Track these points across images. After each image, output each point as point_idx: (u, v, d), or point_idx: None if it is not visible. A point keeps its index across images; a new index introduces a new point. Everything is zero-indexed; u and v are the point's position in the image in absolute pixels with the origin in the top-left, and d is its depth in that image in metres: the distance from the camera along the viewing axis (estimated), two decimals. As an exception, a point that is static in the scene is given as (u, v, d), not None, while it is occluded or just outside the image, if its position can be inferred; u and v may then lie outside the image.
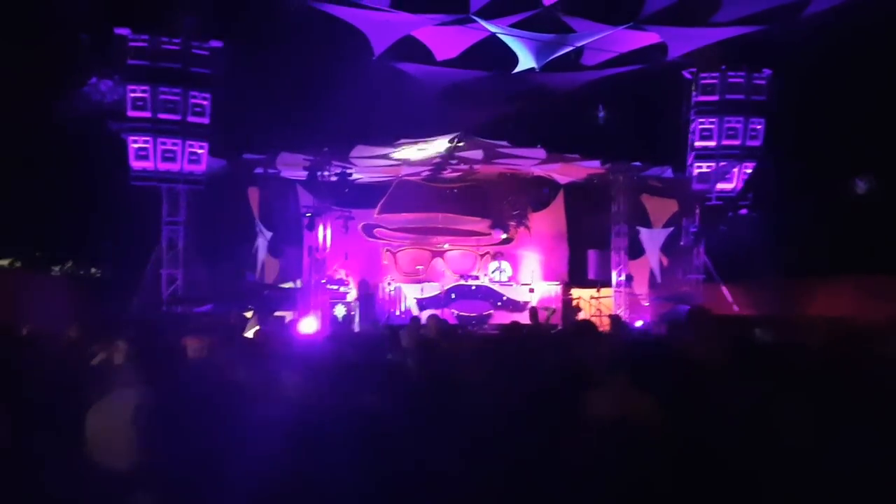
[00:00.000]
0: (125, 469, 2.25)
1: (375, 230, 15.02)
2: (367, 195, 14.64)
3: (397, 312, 13.62)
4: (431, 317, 6.15)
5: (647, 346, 3.34)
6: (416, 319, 6.81)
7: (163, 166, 11.44)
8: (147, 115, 11.21)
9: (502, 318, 13.66)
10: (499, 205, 15.06)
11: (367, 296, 14.02)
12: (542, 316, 12.89)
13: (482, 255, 15.35)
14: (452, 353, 3.65)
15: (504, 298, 14.12)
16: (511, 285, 14.44)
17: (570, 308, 14.14)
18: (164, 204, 12.05)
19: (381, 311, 13.65)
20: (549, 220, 15.46)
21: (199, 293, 11.66)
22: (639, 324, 12.31)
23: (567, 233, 15.36)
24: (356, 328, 12.77)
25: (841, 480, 2.06)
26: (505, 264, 14.91)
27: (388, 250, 15.08)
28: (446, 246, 15.16)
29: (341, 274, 13.94)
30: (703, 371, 2.66)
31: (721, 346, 2.98)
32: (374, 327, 12.15)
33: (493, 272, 14.67)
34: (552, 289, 14.45)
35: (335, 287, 13.44)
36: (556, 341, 4.68)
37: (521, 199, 15.06)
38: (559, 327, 12.44)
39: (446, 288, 14.00)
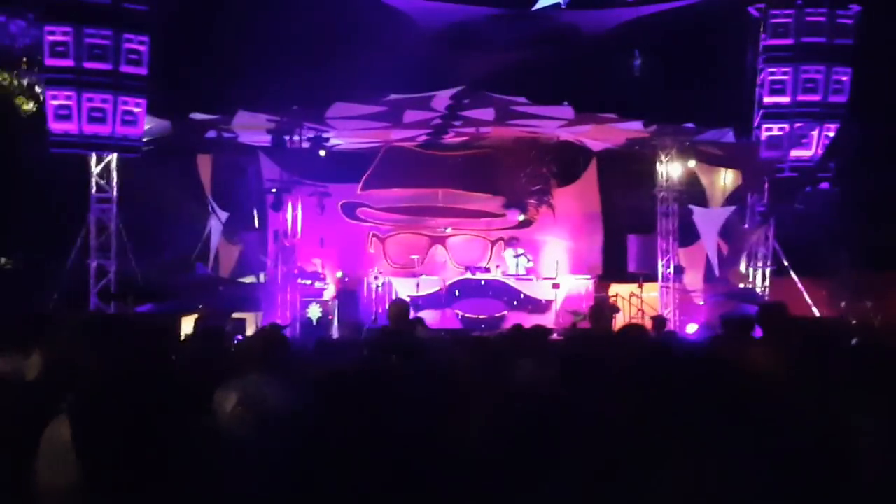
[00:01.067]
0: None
1: (359, 210, 15.06)
2: (349, 166, 14.69)
3: (385, 314, 13.67)
4: (394, 304, 6.07)
5: (695, 364, 3.14)
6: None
7: (89, 129, 11.43)
8: (69, 63, 11.17)
9: (519, 320, 13.57)
10: (515, 178, 15.07)
11: (349, 293, 14.09)
12: (567, 321, 13.00)
13: (494, 242, 15.36)
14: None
15: (522, 296, 14.06)
16: (531, 280, 14.40)
17: (604, 309, 14.05)
18: (91, 176, 12.10)
19: (366, 313, 13.60)
20: (578, 198, 15.47)
21: (136, 289, 11.73)
22: (691, 329, 12.18)
23: (601, 213, 15.39)
24: (334, 333, 12.82)
25: None
26: (522, 251, 14.86)
27: (374, 235, 15.13)
28: (448, 230, 15.16)
29: (316, 265, 13.96)
30: (779, 398, 2.45)
31: (807, 360, 2.86)
32: (355, 332, 12.31)
33: (513, 258, 14.61)
34: (582, 284, 14.42)
35: (308, 282, 13.48)
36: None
37: (543, 171, 15.06)
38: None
39: (448, 283, 13.97)
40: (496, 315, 13.83)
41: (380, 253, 15.09)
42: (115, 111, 11.44)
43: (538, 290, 14.19)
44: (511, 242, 15.04)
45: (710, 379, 2.38)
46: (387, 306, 6.06)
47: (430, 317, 12.90)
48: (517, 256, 14.72)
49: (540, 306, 14.02)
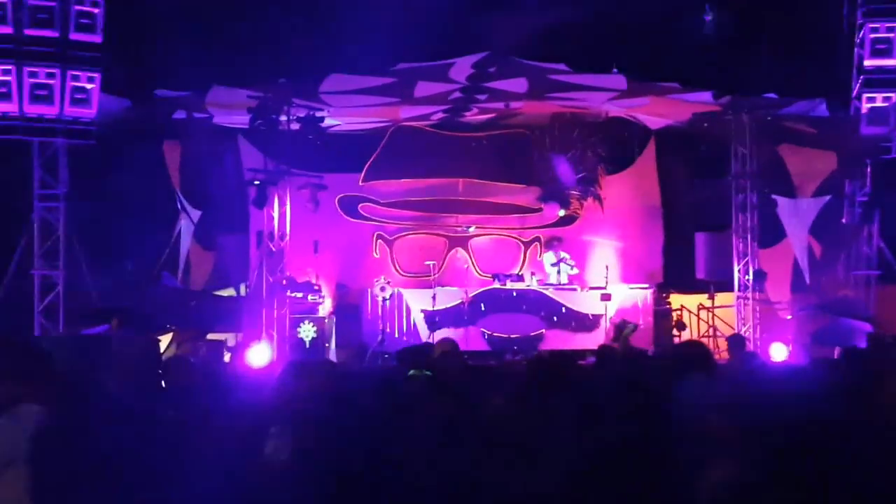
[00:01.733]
0: None
1: (361, 206, 15.03)
2: (348, 152, 14.71)
3: (396, 333, 13.69)
4: (443, 342, 6.33)
5: (795, 398, 3.27)
6: (424, 349, 6.88)
7: (32, 109, 11.48)
8: (8, 30, 11.22)
9: (561, 341, 13.61)
10: (554, 163, 14.95)
11: (349, 308, 14.20)
12: (611, 335, 13.05)
13: (528, 244, 15.34)
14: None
15: (563, 310, 14.03)
16: (574, 290, 14.34)
17: (665, 324, 14.09)
18: (35, 168, 12.12)
19: (371, 332, 13.69)
20: (633, 188, 15.39)
21: (91, 304, 11.70)
22: (779, 352, 12.00)
23: (661, 207, 15.32)
24: (332, 356, 12.85)
25: None
26: (565, 258, 14.68)
27: (380, 237, 15.10)
28: (472, 229, 15.10)
29: (309, 274, 13.95)
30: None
31: None
32: (359, 356, 12.60)
33: (553, 264, 14.50)
34: (638, 294, 14.35)
35: (299, 295, 13.48)
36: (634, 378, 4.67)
37: (589, 155, 14.98)
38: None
39: (472, 295, 13.89)
40: (531, 334, 13.84)
41: (387, 258, 15.05)
42: (63, 88, 11.46)
43: (584, 302, 14.12)
44: (551, 244, 14.94)
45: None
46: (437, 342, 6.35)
47: (449, 336, 13.03)
48: (558, 262, 14.61)
49: (586, 322, 14.00)
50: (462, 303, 13.81)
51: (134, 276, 12.98)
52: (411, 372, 5.96)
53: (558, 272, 14.63)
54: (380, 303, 13.84)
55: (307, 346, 13.14)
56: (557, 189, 15.18)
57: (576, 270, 14.74)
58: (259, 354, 11.22)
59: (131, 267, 13.10)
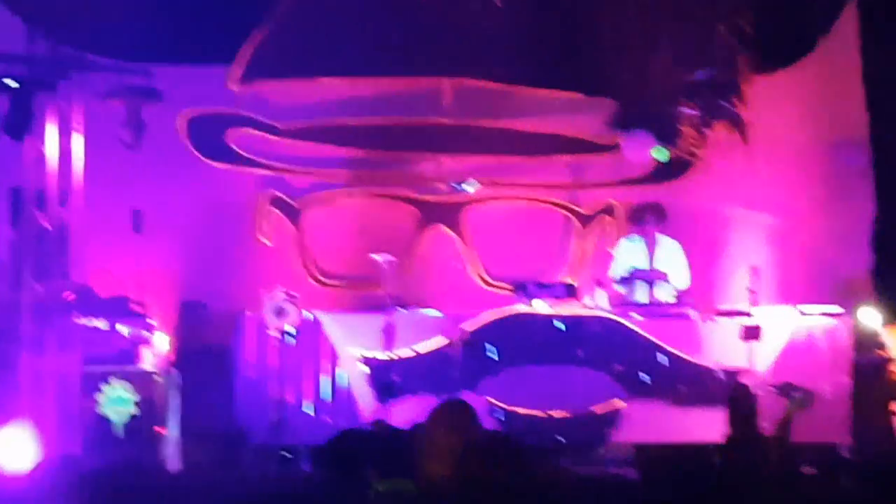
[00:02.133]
0: None
1: (232, 133, 14.23)
2: (207, 18, 13.93)
3: (311, 407, 12.90)
4: (450, 411, 6.11)
5: None
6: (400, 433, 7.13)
7: None
8: None
9: (658, 425, 12.73)
10: (642, 51, 14.06)
11: (208, 352, 13.56)
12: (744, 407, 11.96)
13: (588, 220, 14.65)
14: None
15: (664, 361, 12.89)
16: (687, 317, 13.28)
17: (877, 390, 13.15)
18: None
19: (254, 403, 12.98)
20: (810, 103, 14.55)
21: None
22: None
23: (871, 144, 14.20)
24: (169, 455, 12.39)
25: None
26: (668, 245, 13.66)
27: (276, 201, 14.38)
28: (469, 187, 14.11)
29: (124, 285, 13.55)
30: None
31: None
32: (228, 455, 12.76)
33: (621, 267, 13.91)
34: (821, 327, 13.35)
35: (102, 324, 12.85)
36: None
37: (719, 33, 14.01)
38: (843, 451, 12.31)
39: (472, 330, 12.92)
40: (593, 410, 12.89)
41: (290, 247, 14.23)
42: None
43: (706, 342, 13.16)
44: (639, 220, 13.86)
45: None
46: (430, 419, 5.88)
47: (458, 400, 12.59)
48: (649, 270, 13.62)
49: (708, 385, 12.84)
50: (449, 344, 12.94)
51: None
52: (379, 486, 5.43)
53: (650, 285, 13.61)
54: (276, 339, 13.12)
55: (118, 431, 12.52)
56: (650, 106, 14.10)
57: (684, 282, 13.66)
58: (13, 451, 10.89)
59: None
